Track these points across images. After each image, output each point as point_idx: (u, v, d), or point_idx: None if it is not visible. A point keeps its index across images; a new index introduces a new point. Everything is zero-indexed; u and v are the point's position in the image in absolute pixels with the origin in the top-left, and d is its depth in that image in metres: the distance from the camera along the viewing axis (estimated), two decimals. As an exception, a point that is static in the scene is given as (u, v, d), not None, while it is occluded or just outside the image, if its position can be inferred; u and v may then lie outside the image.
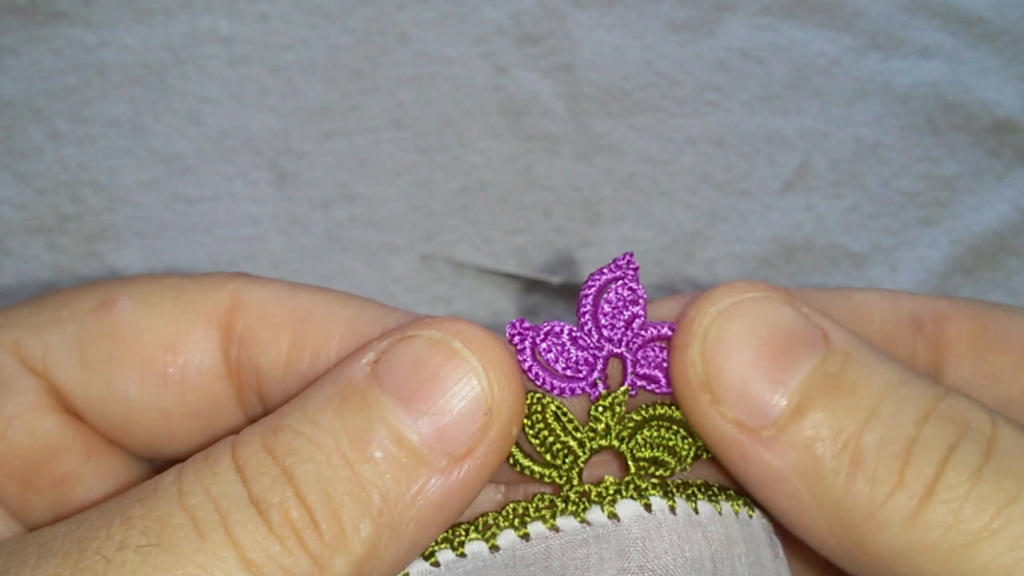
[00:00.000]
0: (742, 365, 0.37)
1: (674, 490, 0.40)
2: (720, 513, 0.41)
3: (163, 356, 0.41)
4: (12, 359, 0.41)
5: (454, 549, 0.39)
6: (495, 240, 0.88)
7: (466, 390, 0.36)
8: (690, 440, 0.41)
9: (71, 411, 0.42)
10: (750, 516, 0.42)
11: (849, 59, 0.97)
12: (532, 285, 0.86)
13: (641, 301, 0.41)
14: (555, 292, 0.87)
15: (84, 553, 0.33)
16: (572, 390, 0.40)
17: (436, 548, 0.39)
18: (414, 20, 0.94)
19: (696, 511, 0.40)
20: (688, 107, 0.94)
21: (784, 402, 0.36)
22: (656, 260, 0.90)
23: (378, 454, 0.35)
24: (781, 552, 0.45)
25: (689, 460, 0.41)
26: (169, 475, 0.35)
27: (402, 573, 0.39)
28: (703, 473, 0.43)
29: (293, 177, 0.88)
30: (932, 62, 0.98)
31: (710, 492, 0.41)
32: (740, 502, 0.42)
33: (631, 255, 0.41)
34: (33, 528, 0.39)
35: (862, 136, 0.95)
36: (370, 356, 0.37)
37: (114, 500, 0.35)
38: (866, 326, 0.44)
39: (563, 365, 0.40)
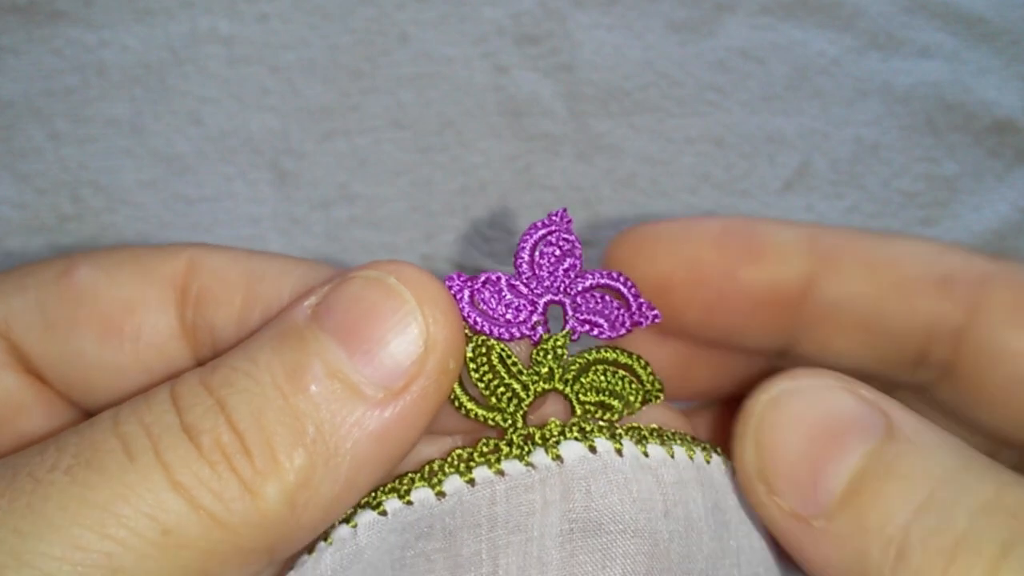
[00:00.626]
0: (793, 454, 0.36)
1: (622, 433, 0.40)
2: (672, 456, 0.40)
3: (120, 317, 0.42)
4: None
5: (401, 497, 0.38)
6: (495, 240, 0.88)
7: (400, 325, 0.36)
8: (636, 384, 0.41)
9: (33, 372, 0.43)
10: (707, 461, 0.41)
11: (849, 59, 0.97)
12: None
13: (577, 251, 0.41)
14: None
15: (17, 475, 0.33)
16: (512, 334, 0.40)
17: (383, 497, 0.39)
18: (414, 20, 0.94)
19: (646, 454, 0.40)
20: (688, 107, 0.94)
21: (835, 491, 0.35)
22: (656, 260, 0.90)
23: (313, 387, 0.35)
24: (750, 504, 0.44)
25: (637, 404, 0.42)
26: (107, 411, 0.36)
27: (351, 524, 0.39)
28: (659, 420, 0.43)
29: (293, 177, 0.88)
30: (932, 62, 0.98)
31: (663, 436, 0.41)
32: (697, 447, 0.41)
33: (565, 210, 0.42)
34: None
35: (862, 136, 0.95)
36: (312, 300, 0.37)
37: (54, 436, 0.35)
38: (889, 276, 0.43)
39: (502, 311, 0.40)
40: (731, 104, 0.95)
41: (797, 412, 0.36)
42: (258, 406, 0.34)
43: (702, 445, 0.42)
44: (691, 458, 0.41)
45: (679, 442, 0.41)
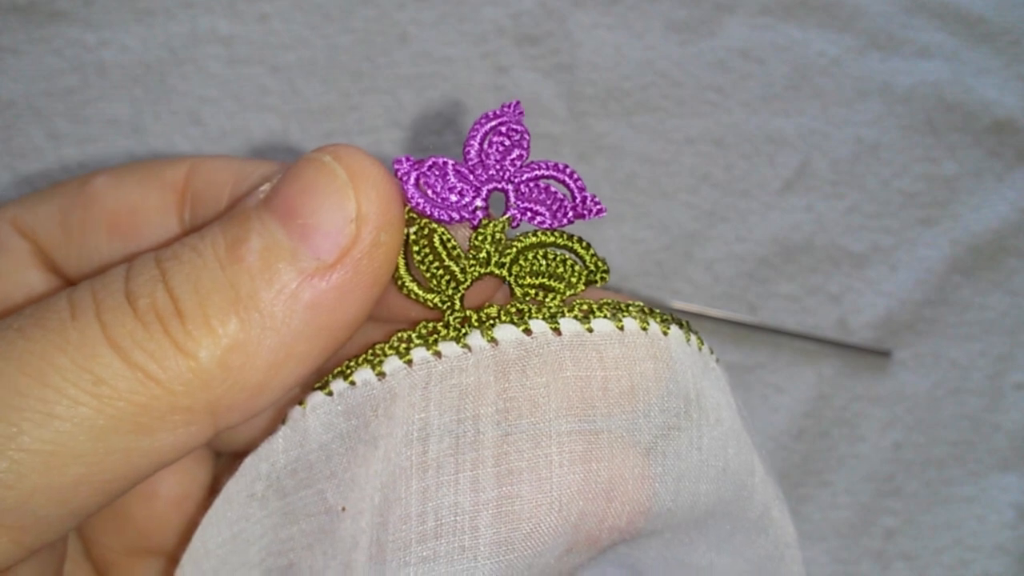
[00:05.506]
0: None
1: (564, 311, 0.40)
2: (621, 329, 0.40)
3: (127, 217, 0.46)
4: (9, 227, 0.46)
5: (345, 378, 0.40)
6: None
7: (332, 200, 0.37)
8: (579, 266, 0.41)
9: (55, 270, 0.47)
10: (664, 333, 0.41)
11: (849, 59, 0.97)
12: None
13: (525, 142, 0.41)
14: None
15: None
16: (452, 217, 0.40)
17: (330, 379, 0.40)
18: (414, 20, 0.94)
19: (590, 330, 0.40)
20: (688, 107, 0.94)
21: None
22: (656, 260, 0.90)
23: (250, 258, 0.36)
24: (724, 383, 0.43)
25: (580, 286, 0.41)
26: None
27: (302, 405, 0.40)
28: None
29: (293, 177, 0.88)
30: (932, 62, 0.98)
31: (615, 308, 0.41)
32: (654, 319, 0.41)
33: (518, 102, 0.42)
34: None
35: (862, 136, 0.95)
36: (265, 187, 0.39)
37: None
38: None
39: (445, 195, 0.41)
40: (731, 104, 0.95)
41: None
42: (195, 274, 0.36)
43: (660, 316, 0.41)
44: (644, 329, 0.40)
45: (632, 314, 0.41)
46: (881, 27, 0.99)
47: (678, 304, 0.88)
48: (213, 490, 0.50)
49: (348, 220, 0.37)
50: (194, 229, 0.44)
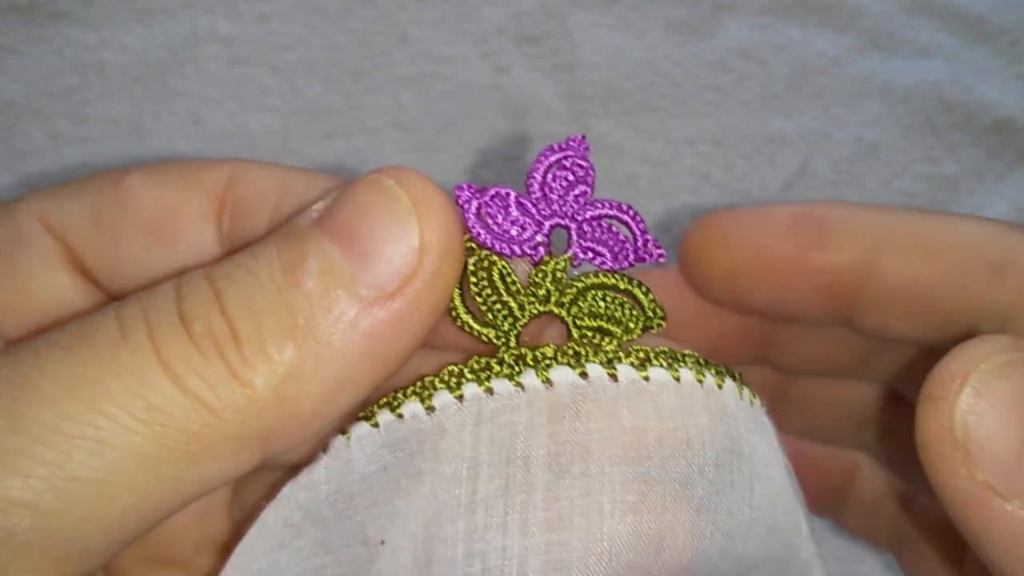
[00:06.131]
0: (1008, 433, 0.35)
1: (621, 357, 0.40)
2: (678, 380, 0.39)
3: (162, 222, 0.44)
4: (35, 223, 0.44)
5: (392, 410, 0.39)
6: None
7: (396, 227, 0.36)
8: (637, 311, 0.41)
9: (85, 273, 0.45)
10: (719, 386, 0.40)
11: (849, 59, 0.97)
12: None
13: (589, 178, 0.41)
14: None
15: (22, 352, 0.35)
16: (513, 251, 0.40)
17: (376, 410, 0.39)
18: (414, 20, 0.94)
19: (646, 378, 0.39)
20: (688, 107, 0.94)
21: None
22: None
23: (309, 284, 0.35)
24: (775, 438, 0.43)
25: (637, 331, 0.41)
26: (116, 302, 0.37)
27: (345, 435, 0.39)
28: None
29: (293, 177, 0.88)
30: (932, 62, 0.98)
31: (671, 358, 0.40)
32: (709, 370, 0.41)
33: (584, 137, 0.41)
34: None
35: (862, 136, 0.95)
36: (319, 204, 0.38)
37: None
38: (944, 261, 0.44)
39: (506, 228, 0.40)
40: (731, 104, 0.95)
41: (1016, 390, 0.35)
42: (251, 297, 0.35)
43: (715, 368, 0.41)
44: (700, 382, 0.40)
45: (688, 364, 0.40)
46: (881, 27, 0.99)
47: (678, 304, 0.88)
48: (234, 499, 0.49)
49: (411, 249, 0.36)
50: (235, 239, 0.44)
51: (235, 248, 0.44)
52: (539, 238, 0.40)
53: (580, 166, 0.41)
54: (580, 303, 0.41)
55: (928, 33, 0.99)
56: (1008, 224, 0.46)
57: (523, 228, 0.40)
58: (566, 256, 0.41)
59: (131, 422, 0.33)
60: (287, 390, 0.35)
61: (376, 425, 0.39)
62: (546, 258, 0.40)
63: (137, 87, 0.89)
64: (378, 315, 0.36)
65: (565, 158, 0.41)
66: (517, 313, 0.40)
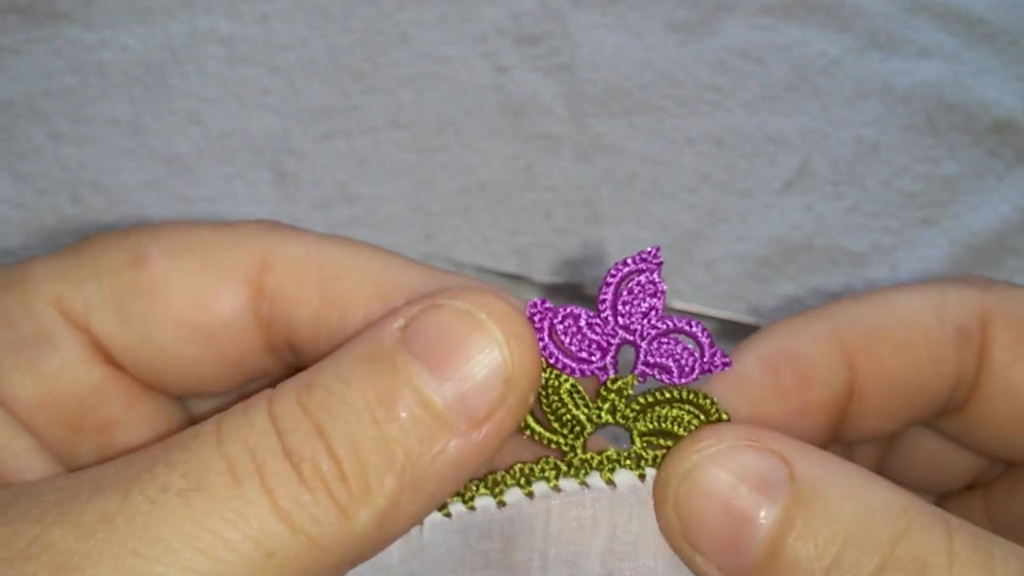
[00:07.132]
0: (712, 524, 0.39)
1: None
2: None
3: (195, 313, 0.44)
4: (54, 313, 0.44)
5: (465, 502, 0.41)
6: (495, 240, 0.88)
7: (488, 359, 0.38)
8: (700, 418, 0.43)
9: (112, 362, 0.45)
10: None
11: (849, 59, 0.97)
12: (532, 285, 0.86)
13: (660, 294, 0.42)
14: (555, 292, 0.87)
15: (130, 493, 0.35)
16: (583, 371, 0.42)
17: (449, 500, 0.42)
18: (414, 20, 0.94)
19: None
20: (688, 107, 0.95)
21: (755, 557, 0.38)
22: (656, 260, 0.90)
23: (404, 415, 0.37)
24: None
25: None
26: (209, 424, 0.37)
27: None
28: None
29: (293, 177, 0.88)
30: (932, 62, 0.98)
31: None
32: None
33: (658, 249, 0.42)
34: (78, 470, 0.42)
35: (862, 136, 0.95)
36: (400, 322, 0.39)
37: (158, 446, 0.37)
38: (911, 349, 0.46)
39: (577, 347, 0.42)
40: (731, 104, 0.95)
41: (708, 484, 0.39)
42: (354, 433, 0.37)
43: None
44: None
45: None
46: (881, 27, 0.99)
47: (678, 304, 0.88)
48: None
49: (501, 381, 0.38)
50: (276, 325, 0.44)
51: (275, 332, 0.45)
52: (607, 360, 0.42)
53: (652, 282, 0.42)
54: (646, 416, 0.43)
55: (928, 33, 0.99)
56: (939, 281, 0.48)
57: (592, 352, 0.42)
58: (633, 376, 0.42)
59: (250, 569, 0.35)
60: (386, 520, 0.37)
61: (448, 515, 0.41)
62: (612, 377, 0.42)
63: (137, 87, 0.89)
64: (467, 443, 0.38)
65: (638, 272, 0.42)
66: (585, 424, 0.42)
